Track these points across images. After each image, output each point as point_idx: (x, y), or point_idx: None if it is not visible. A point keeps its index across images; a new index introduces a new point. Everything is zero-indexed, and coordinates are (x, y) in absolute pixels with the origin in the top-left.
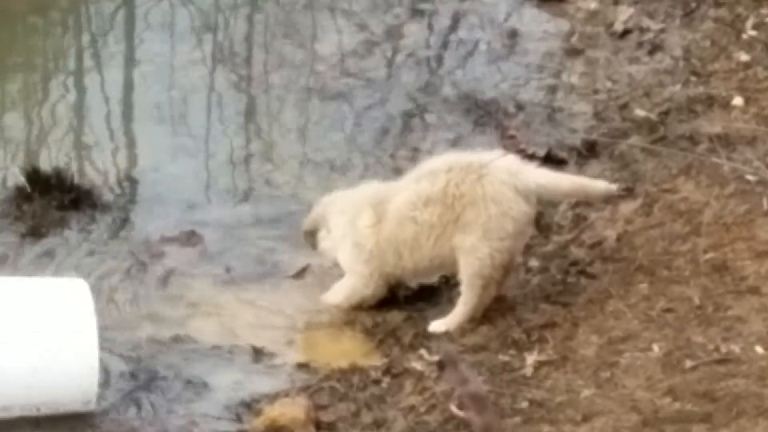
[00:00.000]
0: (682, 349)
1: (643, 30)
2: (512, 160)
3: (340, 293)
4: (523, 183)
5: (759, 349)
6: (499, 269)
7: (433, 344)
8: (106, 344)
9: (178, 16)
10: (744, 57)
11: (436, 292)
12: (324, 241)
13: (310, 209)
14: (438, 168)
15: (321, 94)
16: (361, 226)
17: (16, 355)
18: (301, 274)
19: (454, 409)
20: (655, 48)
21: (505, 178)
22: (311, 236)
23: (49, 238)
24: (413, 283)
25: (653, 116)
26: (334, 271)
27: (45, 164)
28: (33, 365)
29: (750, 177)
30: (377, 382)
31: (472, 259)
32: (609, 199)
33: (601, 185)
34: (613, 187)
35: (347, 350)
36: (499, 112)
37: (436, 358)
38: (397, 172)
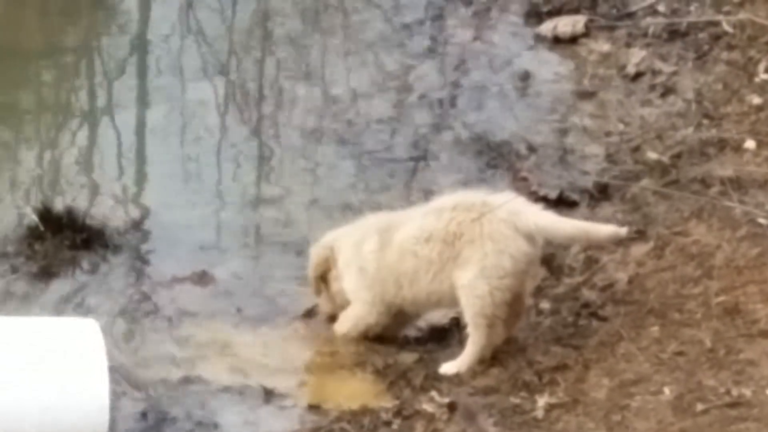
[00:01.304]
0: (694, 392)
1: (655, 72)
2: (516, 200)
3: (346, 323)
4: (523, 223)
5: None
6: (501, 308)
7: (445, 386)
8: (116, 385)
9: (190, 58)
10: (756, 100)
11: (446, 334)
12: (334, 281)
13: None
14: (445, 205)
15: (333, 135)
16: (365, 250)
17: (28, 394)
18: (309, 313)
19: None
20: (667, 91)
21: (505, 217)
22: (320, 281)
23: (61, 277)
24: (421, 321)
25: (665, 159)
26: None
27: (57, 204)
28: (44, 405)
29: (762, 220)
30: (388, 423)
31: (473, 299)
32: (620, 242)
33: (605, 230)
34: (622, 231)
35: (358, 392)
36: (511, 154)
37: (447, 400)
38: None
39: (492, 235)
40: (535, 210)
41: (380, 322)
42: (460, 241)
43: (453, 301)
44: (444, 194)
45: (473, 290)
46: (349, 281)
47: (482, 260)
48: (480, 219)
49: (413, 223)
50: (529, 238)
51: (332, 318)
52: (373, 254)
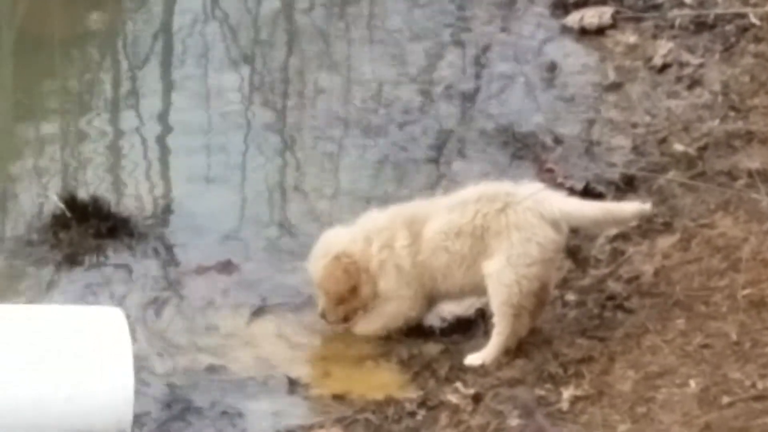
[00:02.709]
0: (719, 385)
1: (682, 64)
2: (539, 189)
3: (377, 322)
4: (548, 210)
5: None
6: (529, 297)
7: (470, 377)
8: (141, 373)
9: (215, 46)
10: None
11: (471, 325)
12: (365, 286)
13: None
14: (468, 198)
15: (357, 125)
16: (398, 246)
17: (52, 383)
18: None
19: None
20: (694, 83)
21: (530, 205)
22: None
23: (86, 266)
24: (445, 312)
25: (692, 151)
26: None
27: (82, 192)
28: (68, 394)
29: None
30: (412, 414)
31: (500, 287)
32: (646, 234)
33: (630, 208)
34: (647, 207)
35: (383, 382)
36: (537, 146)
37: (471, 391)
38: None
39: (518, 224)
40: (558, 197)
41: (420, 314)
42: (488, 234)
43: (486, 291)
44: (467, 186)
45: (500, 279)
46: (387, 281)
47: (509, 249)
48: (505, 209)
49: (440, 218)
50: (555, 225)
51: (342, 321)
52: (406, 249)
